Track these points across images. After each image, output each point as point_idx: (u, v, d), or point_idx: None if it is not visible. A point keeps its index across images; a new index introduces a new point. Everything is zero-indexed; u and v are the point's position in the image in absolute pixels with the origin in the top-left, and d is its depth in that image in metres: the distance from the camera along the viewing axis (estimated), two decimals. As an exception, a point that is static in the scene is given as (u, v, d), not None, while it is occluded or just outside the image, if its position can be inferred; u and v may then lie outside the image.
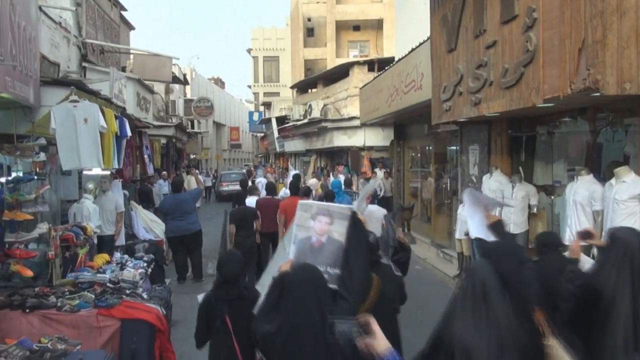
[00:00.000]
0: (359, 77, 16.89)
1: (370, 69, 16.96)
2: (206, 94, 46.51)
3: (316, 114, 19.05)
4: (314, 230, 3.16)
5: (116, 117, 6.98)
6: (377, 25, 23.70)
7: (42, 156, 5.65)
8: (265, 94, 40.27)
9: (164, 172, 16.36)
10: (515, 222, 6.87)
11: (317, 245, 3.13)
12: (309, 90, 22.84)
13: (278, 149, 25.14)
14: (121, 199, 7.74)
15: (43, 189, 5.72)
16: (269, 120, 28.29)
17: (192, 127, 31.44)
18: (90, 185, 6.98)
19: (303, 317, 2.08)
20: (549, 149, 6.87)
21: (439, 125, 9.18)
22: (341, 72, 18.66)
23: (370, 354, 1.77)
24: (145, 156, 10.63)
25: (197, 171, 16.14)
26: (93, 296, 5.00)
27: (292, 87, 25.34)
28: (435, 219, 10.99)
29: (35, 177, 5.33)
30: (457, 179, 9.23)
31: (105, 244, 7.57)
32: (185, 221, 8.46)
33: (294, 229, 3.24)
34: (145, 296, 5.65)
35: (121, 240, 7.82)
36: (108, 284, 5.33)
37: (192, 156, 35.92)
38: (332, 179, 12.58)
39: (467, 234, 7.83)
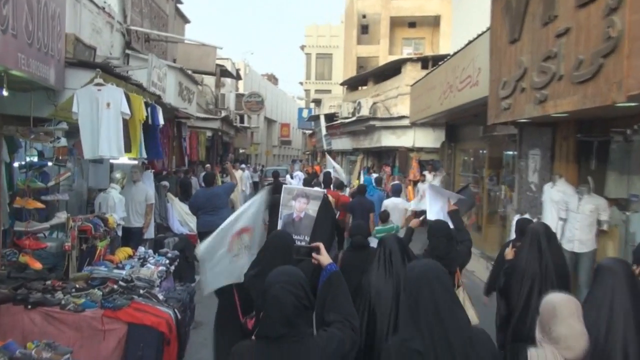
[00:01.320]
0: (411, 74, 16.04)
1: (424, 67, 16.09)
2: (259, 89, 46.76)
3: (365, 112, 18.36)
4: (294, 208, 4.31)
5: (147, 105, 6.63)
6: (434, 22, 22.67)
7: (63, 141, 5.33)
8: (317, 92, 39.83)
9: (208, 165, 16.18)
10: (581, 240, 5.97)
11: (297, 219, 4.36)
12: (359, 88, 22.15)
13: (325, 147, 24.61)
14: (152, 190, 7.40)
15: (63, 177, 5.40)
16: (317, 118, 27.81)
17: (242, 121, 31.45)
18: (118, 175, 6.66)
19: (274, 264, 2.58)
20: (626, 157, 5.90)
21: (495, 127, 8.31)
22: (393, 69, 17.87)
23: (319, 266, 2.62)
24: (184, 148, 10.33)
25: (243, 165, 15.79)
26: (101, 294, 4.60)
27: (342, 84, 24.71)
28: (487, 228, 10.09)
29: (50, 163, 4.98)
30: (513, 186, 8.34)
31: (132, 236, 7.26)
32: (217, 216, 8.04)
33: (280, 208, 4.34)
34: (161, 297, 5.21)
35: (150, 234, 7.49)
36: (120, 282, 4.93)
37: (240, 150, 36.08)
38: (363, 176, 12.36)
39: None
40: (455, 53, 9.01)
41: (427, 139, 15.25)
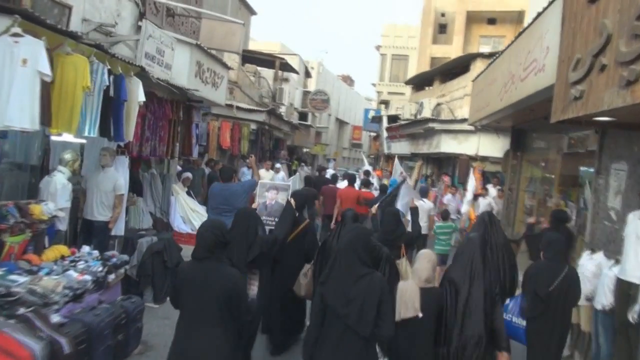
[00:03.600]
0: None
1: (497, 64, 13.84)
2: (332, 90, 45.62)
3: (427, 113, 16.35)
4: (268, 197, 5.91)
5: (111, 74, 5.35)
6: (517, 19, 20.02)
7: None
8: (389, 94, 37.82)
9: (249, 159, 14.97)
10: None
11: (269, 206, 5.86)
12: (426, 88, 20.08)
13: (386, 150, 22.74)
14: (123, 179, 6.13)
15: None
16: (380, 119, 25.96)
17: (305, 119, 30.26)
18: (67, 156, 5.42)
19: (238, 232, 4.20)
20: None
21: (571, 129, 6.26)
22: (461, 67, 15.73)
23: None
24: (194, 135, 9.06)
25: (278, 165, 14.35)
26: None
27: (406, 83, 22.70)
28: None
29: None
30: (586, 210, 6.23)
31: (95, 231, 6.03)
32: (230, 218, 6.72)
33: (257, 198, 5.96)
34: (56, 319, 3.85)
35: (119, 230, 6.23)
36: (-7, 296, 3.63)
37: (304, 150, 34.94)
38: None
39: (589, 299, 4.93)
40: (520, 33, 6.98)
41: (494, 146, 13.03)
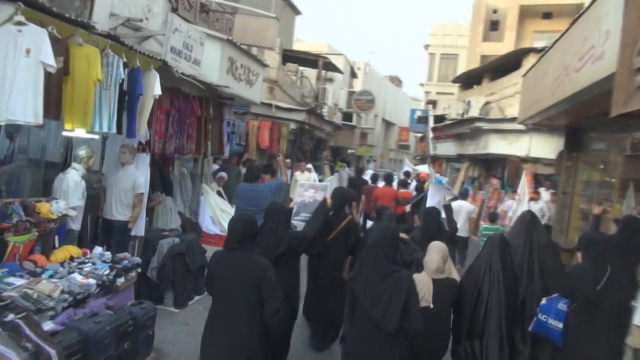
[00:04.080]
0: (534, 68, 12.92)
1: (551, 59, 12.86)
2: (378, 90, 44.91)
3: (474, 112, 15.50)
4: (306, 196, 6.70)
5: (126, 67, 5.11)
6: (575, 12, 18.68)
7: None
8: (438, 94, 36.70)
9: (288, 160, 14.66)
10: None
11: (308, 203, 6.59)
12: (474, 87, 19.13)
13: (431, 152, 21.90)
14: (143, 177, 5.89)
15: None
16: (426, 119, 25.09)
17: (350, 119, 29.75)
18: (82, 152, 5.21)
19: (268, 227, 4.30)
20: None
21: (635, 128, 5.51)
22: (512, 63, 14.80)
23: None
24: (225, 134, 8.76)
25: (310, 165, 13.91)
26: None
27: (454, 81, 21.76)
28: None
29: None
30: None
31: (114, 231, 5.82)
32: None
33: (297, 198, 6.96)
34: (50, 326, 3.59)
35: (139, 230, 6.00)
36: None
37: (349, 151, 34.43)
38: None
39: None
40: (576, 19, 6.24)
41: (547, 147, 12.08)
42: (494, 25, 26.32)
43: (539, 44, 20.07)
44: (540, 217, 10.62)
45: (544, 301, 4.05)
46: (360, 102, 29.63)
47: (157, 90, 5.60)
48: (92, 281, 4.22)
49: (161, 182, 8.09)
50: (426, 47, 40.28)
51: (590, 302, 3.90)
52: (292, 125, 15.35)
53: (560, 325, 3.95)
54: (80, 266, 4.51)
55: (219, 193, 8.98)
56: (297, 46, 25.60)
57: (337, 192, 5.59)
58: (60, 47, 4.23)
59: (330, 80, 26.54)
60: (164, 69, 6.10)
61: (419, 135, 31.73)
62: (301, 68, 20.80)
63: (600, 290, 3.87)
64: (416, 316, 3.19)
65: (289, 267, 4.43)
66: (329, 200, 5.20)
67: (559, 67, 6.62)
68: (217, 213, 8.51)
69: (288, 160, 14.64)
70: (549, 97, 7.11)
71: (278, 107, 14.51)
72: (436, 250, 3.92)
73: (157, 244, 6.18)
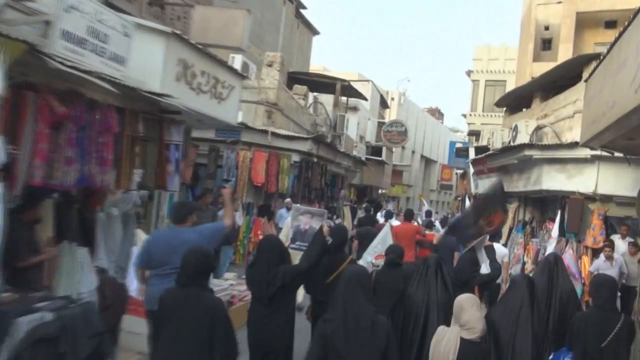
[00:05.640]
0: (599, 79, 10.77)
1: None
2: (416, 124, 43.15)
3: (523, 138, 13.32)
4: (302, 222, 6.62)
5: None
6: (646, 18, 16.51)
7: None
8: (483, 125, 34.46)
9: (288, 200, 12.77)
10: None
11: (303, 230, 6.61)
12: (523, 110, 16.99)
13: (473, 190, 19.61)
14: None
15: None
16: (466, 152, 22.89)
17: (379, 154, 27.86)
18: None
19: (259, 265, 4.24)
20: None
21: None
22: (570, 77, 12.67)
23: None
24: (173, 161, 6.94)
25: (348, 203, 11.86)
26: None
27: (497, 104, 19.62)
28: None
29: None
30: None
31: None
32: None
33: (291, 221, 7.28)
34: None
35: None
36: None
37: (380, 191, 32.40)
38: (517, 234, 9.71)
39: None
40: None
41: (620, 181, 9.77)
42: (546, 44, 24.35)
43: (602, 59, 17.86)
44: (617, 276, 8.43)
45: (551, 356, 4.08)
46: (391, 135, 27.82)
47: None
48: None
49: (82, 228, 6.40)
50: (468, 73, 38.46)
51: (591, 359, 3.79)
52: (295, 157, 13.52)
53: None
54: None
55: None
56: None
57: (337, 230, 5.51)
58: None
59: (354, 109, 24.90)
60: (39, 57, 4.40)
61: (460, 171, 29.45)
62: (315, 93, 19.26)
63: (608, 345, 3.70)
64: None
65: (283, 309, 4.31)
66: (325, 228, 5.06)
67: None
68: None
69: (288, 200, 12.79)
70: (628, 97, 4.99)
71: (275, 135, 12.75)
72: (476, 307, 3.56)
73: (11, 323, 4.29)
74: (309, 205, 12.01)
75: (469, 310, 3.47)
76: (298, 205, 7.87)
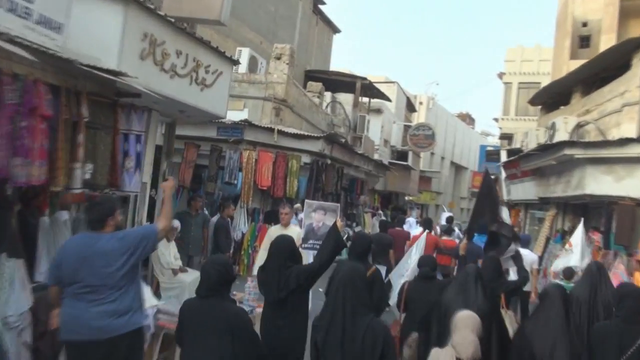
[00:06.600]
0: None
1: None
2: (446, 129, 41.45)
3: (562, 137, 11.74)
4: (314, 219, 6.26)
5: None
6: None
7: None
8: (517, 129, 32.57)
9: (297, 205, 11.47)
10: None
11: (316, 228, 6.26)
12: (560, 107, 15.31)
13: (505, 196, 17.94)
14: None
15: None
16: (497, 154, 21.17)
17: (405, 159, 26.34)
18: None
19: (270, 268, 4.10)
20: None
21: None
22: (615, 67, 11.04)
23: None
24: (132, 154, 5.67)
25: (370, 210, 10.47)
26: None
27: (531, 102, 17.95)
28: None
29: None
30: None
31: None
32: (93, 308, 3.56)
33: (303, 219, 6.79)
34: None
35: None
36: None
37: (406, 198, 30.83)
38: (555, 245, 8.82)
39: None
40: None
41: (682, 183, 8.20)
42: (583, 41, 22.58)
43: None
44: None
45: None
46: (417, 138, 26.30)
47: None
48: None
49: (24, 235, 5.25)
50: (500, 75, 36.62)
51: None
52: (306, 158, 12.22)
53: None
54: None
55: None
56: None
57: (358, 239, 5.49)
58: None
59: (378, 111, 23.51)
60: None
61: (492, 177, 27.62)
62: (335, 94, 17.97)
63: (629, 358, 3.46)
64: None
65: (297, 315, 4.14)
66: (339, 224, 4.77)
67: None
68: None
69: (297, 206, 11.48)
70: None
71: (283, 133, 11.48)
72: (470, 328, 3.17)
73: None
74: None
75: (462, 331, 3.17)
76: (312, 201, 7.36)
